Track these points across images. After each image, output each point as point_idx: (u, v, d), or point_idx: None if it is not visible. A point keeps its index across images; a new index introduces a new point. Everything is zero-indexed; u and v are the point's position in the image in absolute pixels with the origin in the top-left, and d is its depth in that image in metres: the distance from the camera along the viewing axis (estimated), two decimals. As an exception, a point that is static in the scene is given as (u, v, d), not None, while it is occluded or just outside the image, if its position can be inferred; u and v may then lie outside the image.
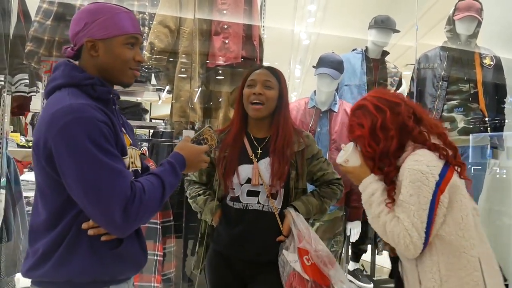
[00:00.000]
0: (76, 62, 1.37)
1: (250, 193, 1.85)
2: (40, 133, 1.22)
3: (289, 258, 1.73)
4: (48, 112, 1.22)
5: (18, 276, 3.20)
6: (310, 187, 2.00)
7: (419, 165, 1.47)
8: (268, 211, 1.83)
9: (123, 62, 1.34)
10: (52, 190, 1.25)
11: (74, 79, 1.29)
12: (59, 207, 1.24)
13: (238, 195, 1.86)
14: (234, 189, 1.86)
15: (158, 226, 2.74)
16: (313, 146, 1.95)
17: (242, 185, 1.85)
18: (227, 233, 1.87)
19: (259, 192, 1.84)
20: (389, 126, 1.56)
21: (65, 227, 1.24)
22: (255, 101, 1.85)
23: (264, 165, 1.86)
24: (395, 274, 1.75)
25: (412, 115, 1.59)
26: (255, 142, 1.91)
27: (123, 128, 1.40)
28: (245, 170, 1.86)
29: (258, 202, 1.84)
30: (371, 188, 1.60)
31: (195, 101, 2.89)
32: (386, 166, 1.57)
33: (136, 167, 1.43)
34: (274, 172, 1.82)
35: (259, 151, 1.89)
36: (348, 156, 1.67)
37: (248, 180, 1.85)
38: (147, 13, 2.96)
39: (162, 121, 4.76)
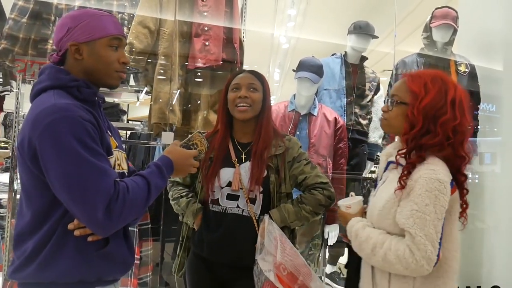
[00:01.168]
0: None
1: (230, 197, 1.84)
2: (25, 133, 1.22)
3: (264, 267, 1.71)
4: (33, 113, 1.22)
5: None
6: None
7: (437, 174, 1.38)
8: (248, 215, 1.82)
9: (107, 64, 1.36)
10: (37, 190, 1.25)
11: (60, 81, 1.30)
12: (44, 208, 1.25)
13: (218, 198, 1.85)
14: (215, 191, 1.85)
15: (135, 229, 2.71)
16: (294, 148, 1.92)
17: (222, 188, 1.84)
18: (207, 236, 1.85)
19: (238, 196, 1.83)
20: (447, 130, 1.43)
21: (51, 228, 1.24)
22: (241, 104, 1.84)
23: (244, 169, 1.85)
24: (353, 265, 1.67)
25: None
26: (239, 147, 1.90)
27: (108, 131, 1.41)
28: (226, 174, 1.85)
29: (238, 206, 1.83)
30: (354, 229, 1.54)
31: (174, 103, 2.86)
32: (416, 153, 1.44)
33: (123, 169, 1.44)
34: (252, 175, 1.82)
35: (243, 155, 1.88)
36: (353, 204, 1.66)
37: (229, 184, 1.84)
38: (126, 14, 2.92)
39: (140, 122, 4.70)
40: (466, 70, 3.30)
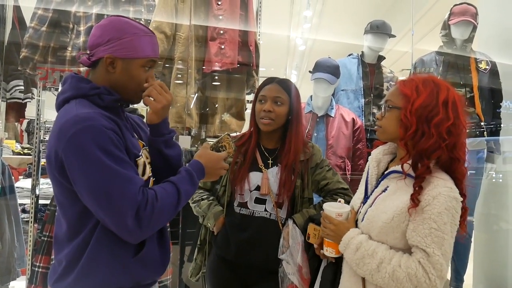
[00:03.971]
0: (83, 69, 1.39)
1: (258, 201, 1.87)
2: (51, 145, 1.24)
3: (288, 270, 1.73)
4: (57, 125, 1.24)
5: (13, 284, 3.17)
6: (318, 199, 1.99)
7: (454, 192, 1.36)
8: (274, 219, 1.86)
9: (136, 84, 1.36)
10: (68, 200, 1.26)
11: (81, 90, 1.31)
12: (78, 217, 1.26)
13: (247, 201, 1.88)
14: (243, 194, 1.88)
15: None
16: (317, 155, 1.96)
17: (251, 191, 1.87)
18: (233, 239, 1.87)
19: (265, 200, 1.87)
20: (441, 131, 1.38)
21: (86, 237, 1.25)
22: (264, 118, 1.87)
23: (272, 174, 1.88)
24: (327, 277, 1.57)
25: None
26: (265, 153, 1.94)
27: (135, 134, 1.41)
28: (255, 177, 1.89)
29: (265, 210, 1.86)
30: (355, 241, 1.42)
31: (191, 106, 2.88)
32: (420, 165, 1.38)
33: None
34: (282, 183, 1.86)
35: (269, 161, 1.92)
36: (345, 213, 1.50)
37: (257, 188, 1.87)
38: (143, 19, 2.96)
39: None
40: (487, 67, 3.23)
